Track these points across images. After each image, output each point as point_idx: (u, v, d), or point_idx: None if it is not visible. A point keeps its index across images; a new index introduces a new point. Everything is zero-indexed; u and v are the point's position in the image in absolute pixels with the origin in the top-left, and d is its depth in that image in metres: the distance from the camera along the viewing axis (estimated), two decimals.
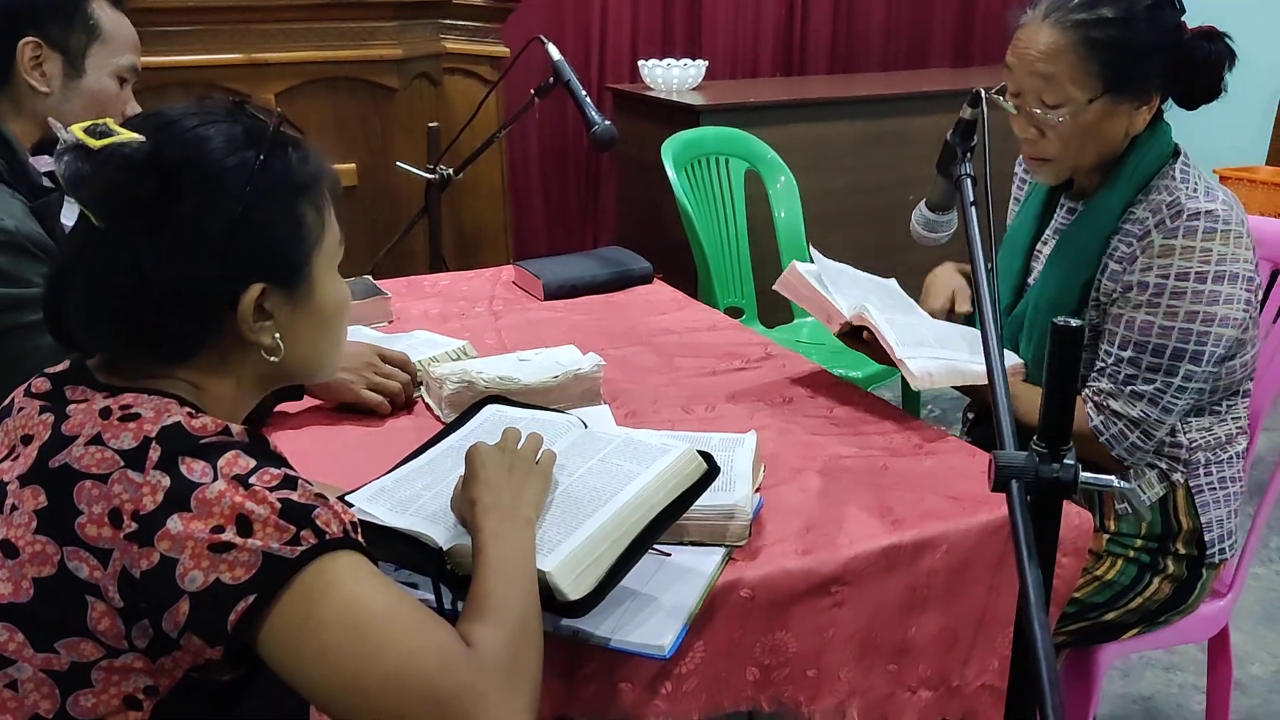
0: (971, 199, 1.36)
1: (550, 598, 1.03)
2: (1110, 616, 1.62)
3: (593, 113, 2.27)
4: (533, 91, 2.34)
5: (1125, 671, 2.37)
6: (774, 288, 1.77)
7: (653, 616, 1.10)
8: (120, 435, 0.89)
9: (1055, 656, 1.06)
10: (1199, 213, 1.49)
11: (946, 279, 1.85)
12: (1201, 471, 1.59)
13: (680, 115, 3.77)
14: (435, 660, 0.87)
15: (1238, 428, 1.62)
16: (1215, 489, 1.60)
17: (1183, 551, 1.61)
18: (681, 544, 1.21)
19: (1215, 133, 5.20)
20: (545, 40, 2.37)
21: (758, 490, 1.31)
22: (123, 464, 0.87)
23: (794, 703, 1.21)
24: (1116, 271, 1.54)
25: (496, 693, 0.88)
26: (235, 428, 0.93)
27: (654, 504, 1.12)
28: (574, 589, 1.03)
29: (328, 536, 0.87)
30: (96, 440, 0.89)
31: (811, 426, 1.56)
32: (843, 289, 1.68)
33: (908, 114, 4.04)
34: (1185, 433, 1.58)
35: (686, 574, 1.16)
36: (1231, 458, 1.62)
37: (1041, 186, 1.72)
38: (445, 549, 1.10)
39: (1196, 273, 1.47)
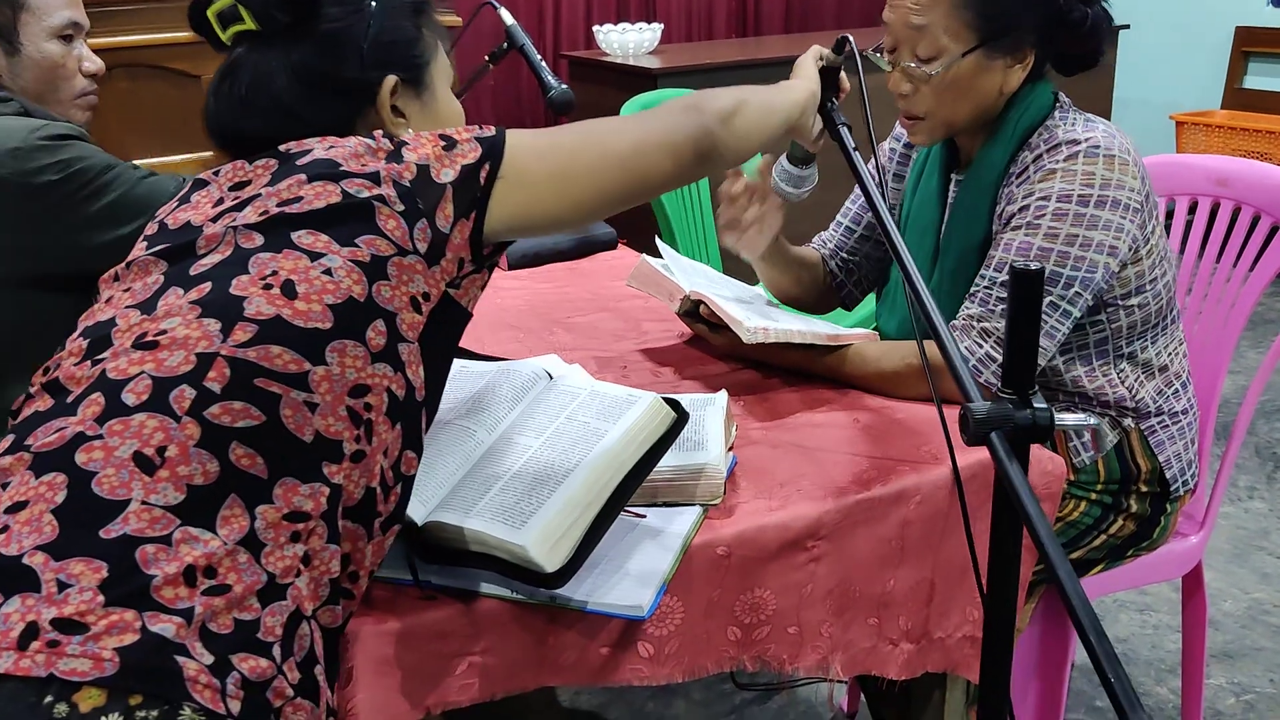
0: (854, 145, 1.37)
1: (527, 570, 1.02)
2: (1076, 555, 1.63)
3: (549, 77, 2.23)
4: (486, 58, 2.30)
5: (1100, 614, 2.40)
6: (626, 284, 1.75)
7: (629, 578, 1.10)
8: (344, 145, 1.03)
9: (1015, 612, 1.06)
10: (1077, 139, 1.49)
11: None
12: (1151, 412, 1.59)
13: (638, 80, 3.74)
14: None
15: (1175, 355, 1.62)
16: (1167, 425, 1.60)
17: (1145, 490, 1.62)
18: (656, 505, 1.20)
19: (1171, 79, 5.25)
20: (497, 5, 2.32)
21: (730, 449, 1.31)
22: (356, 146, 1.03)
23: (777, 660, 1.21)
24: (1000, 215, 1.54)
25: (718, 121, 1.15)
26: None
27: (625, 460, 1.11)
28: (550, 560, 1.02)
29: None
30: (330, 149, 1.03)
31: (781, 384, 1.55)
32: (686, 272, 1.67)
33: (865, 70, 4.01)
34: (1123, 381, 1.57)
35: (662, 534, 1.15)
36: (1177, 390, 1.62)
37: (935, 163, 1.67)
38: (421, 524, 1.09)
39: (1079, 195, 1.45)
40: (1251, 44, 4.98)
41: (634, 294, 1.98)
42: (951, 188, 1.66)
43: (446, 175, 1.01)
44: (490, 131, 1.06)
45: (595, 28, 4.17)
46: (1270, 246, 1.76)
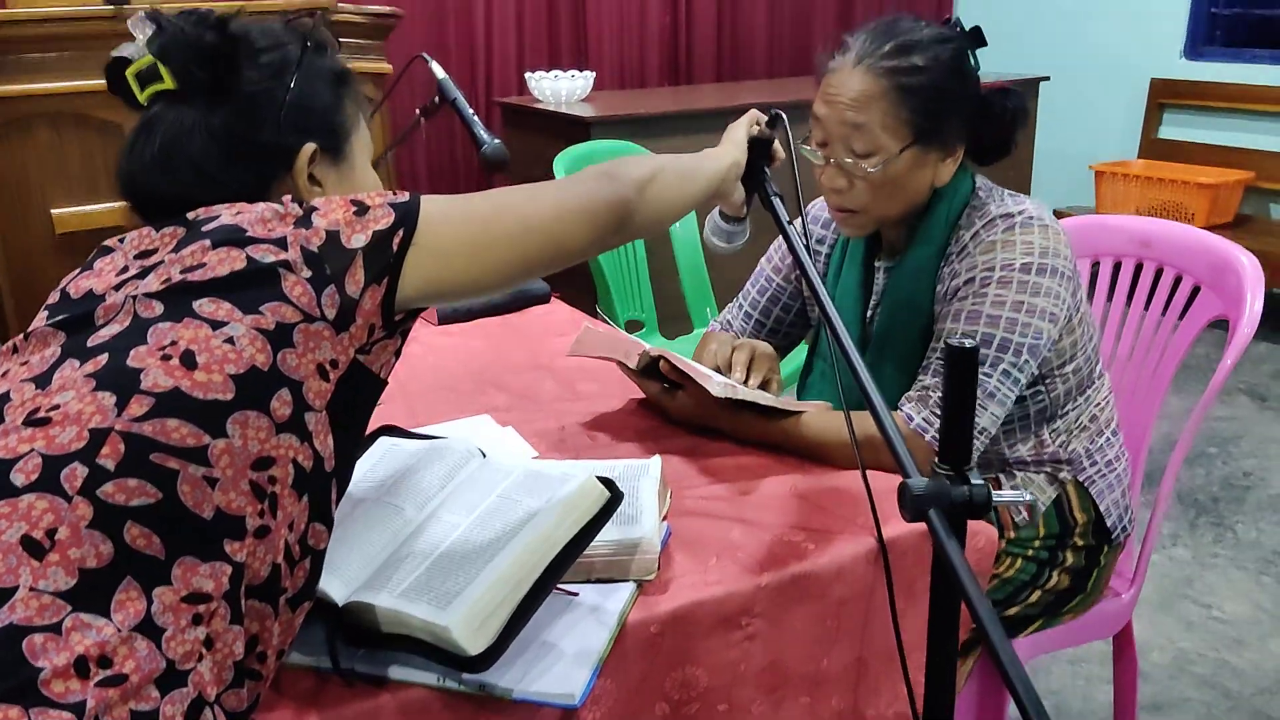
0: (787, 218, 1.38)
1: (451, 653, 0.99)
2: (1012, 612, 1.64)
3: (481, 132, 2.22)
4: (418, 111, 2.28)
5: (1032, 668, 2.41)
6: (568, 354, 1.72)
7: (560, 662, 1.06)
8: (251, 211, 1.01)
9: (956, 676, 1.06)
10: (1011, 213, 1.52)
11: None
12: (1086, 463, 1.61)
13: (571, 128, 3.75)
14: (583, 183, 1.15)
15: (1102, 406, 1.64)
16: (1104, 474, 1.63)
17: (1080, 544, 1.63)
18: (589, 581, 1.17)
19: (1089, 129, 5.39)
20: (428, 58, 2.30)
21: (665, 518, 1.29)
22: (263, 211, 1.01)
23: None
24: (945, 293, 1.55)
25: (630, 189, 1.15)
26: None
27: (556, 540, 1.09)
28: (474, 643, 0.99)
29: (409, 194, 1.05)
30: (236, 215, 1.01)
31: (717, 450, 1.53)
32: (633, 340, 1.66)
33: (795, 121, 4.07)
34: (1055, 440, 1.59)
35: (594, 613, 1.12)
36: (1109, 438, 1.64)
37: (856, 251, 1.68)
38: (342, 604, 1.05)
39: (1021, 264, 1.48)
40: (1166, 95, 5.15)
41: (569, 353, 1.96)
42: (879, 275, 1.67)
43: (357, 240, 0.99)
44: (404, 197, 1.04)
45: (528, 74, 4.18)
46: (1193, 306, 1.80)
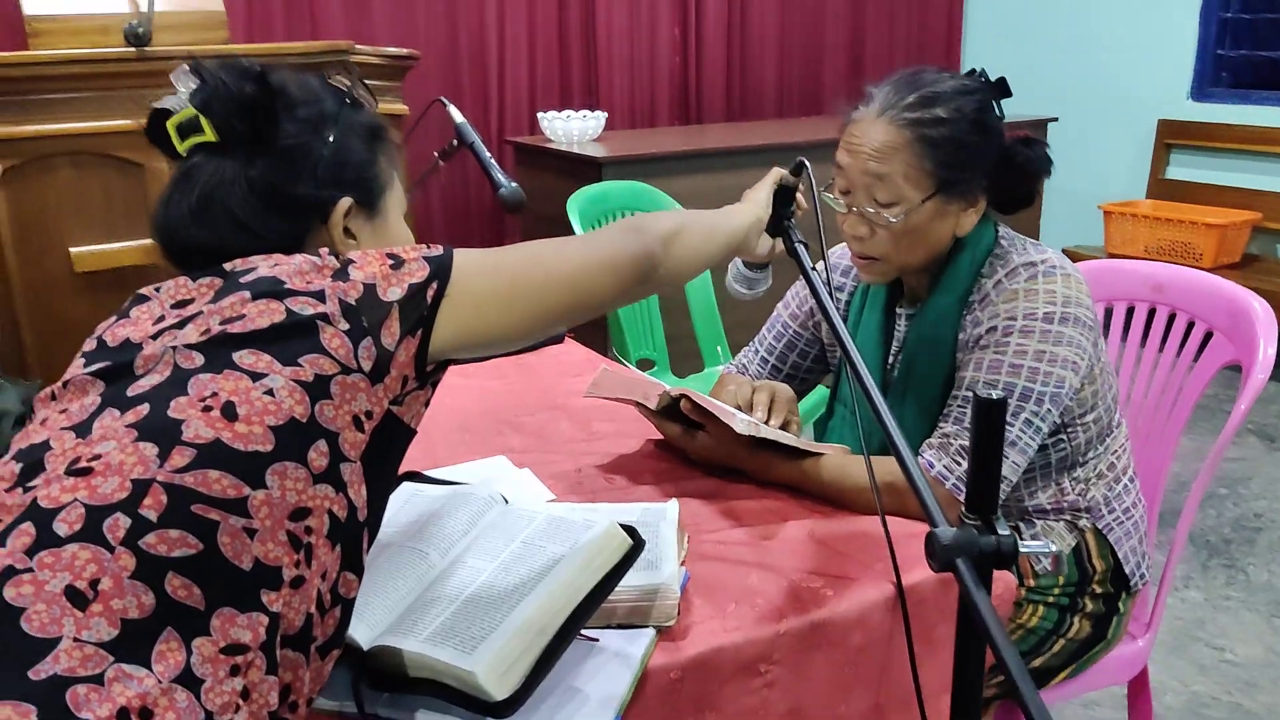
0: (811, 265, 1.39)
1: (476, 699, 1.00)
2: (1037, 663, 1.64)
3: (499, 175, 2.24)
4: (436, 155, 2.31)
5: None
6: (586, 395, 1.72)
7: (583, 707, 1.07)
8: (289, 263, 1.03)
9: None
10: (1034, 262, 1.54)
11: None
12: (1104, 510, 1.62)
13: (582, 168, 3.78)
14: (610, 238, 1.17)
15: (1119, 453, 1.65)
16: (1122, 521, 1.63)
17: (1100, 592, 1.63)
18: (609, 627, 1.18)
19: (1098, 169, 5.42)
20: (446, 102, 2.34)
21: (683, 563, 1.29)
22: (301, 264, 1.02)
23: None
24: (967, 341, 1.56)
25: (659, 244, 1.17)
26: None
27: (579, 587, 1.10)
28: (499, 688, 0.99)
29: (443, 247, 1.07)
30: (274, 266, 1.02)
31: (736, 492, 1.54)
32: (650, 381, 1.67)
33: (807, 161, 4.10)
34: (1074, 488, 1.60)
35: (615, 659, 1.13)
36: (1126, 485, 1.65)
37: (877, 298, 1.70)
38: (367, 648, 1.06)
39: (1044, 313, 1.49)
40: (1173, 136, 5.18)
41: (584, 393, 1.97)
42: (900, 322, 1.68)
43: (393, 293, 1.01)
44: (438, 251, 1.06)
45: (540, 114, 4.22)
46: (1206, 350, 1.81)
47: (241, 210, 1.07)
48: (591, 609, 1.09)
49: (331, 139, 1.11)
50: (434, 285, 1.02)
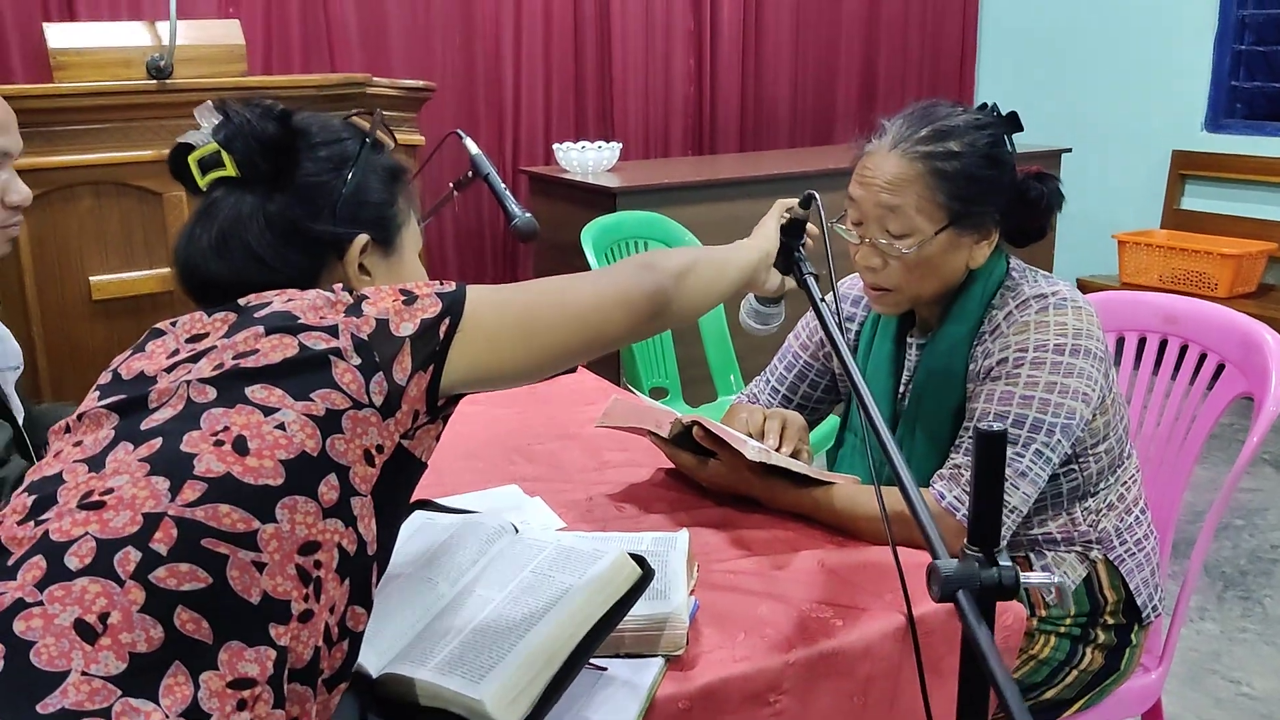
0: (820, 296, 1.40)
1: None
2: (1049, 694, 1.63)
3: (513, 206, 2.26)
4: (452, 185, 2.33)
5: None
6: (597, 426, 1.73)
7: None
8: (302, 298, 1.04)
9: None
10: (1044, 294, 1.55)
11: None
12: (1116, 541, 1.61)
13: (597, 198, 3.80)
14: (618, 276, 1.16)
15: (1131, 484, 1.65)
16: (1134, 553, 1.63)
17: (1111, 623, 1.63)
18: (618, 656, 1.18)
19: (1111, 199, 5.42)
20: (463, 134, 2.36)
21: (692, 592, 1.30)
22: (315, 299, 1.04)
23: None
24: (978, 372, 1.57)
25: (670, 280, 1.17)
26: None
27: (588, 616, 1.10)
28: (507, 717, 1.00)
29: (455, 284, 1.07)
30: (288, 302, 1.04)
31: (746, 521, 1.54)
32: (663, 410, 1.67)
33: (819, 190, 4.12)
34: (1085, 519, 1.60)
35: (624, 688, 1.13)
36: (1137, 516, 1.65)
37: (888, 328, 1.71)
38: (375, 675, 1.06)
39: (1054, 345, 1.50)
40: (1187, 167, 5.18)
41: (595, 421, 1.98)
42: (911, 351, 1.69)
43: (405, 329, 1.01)
44: (451, 287, 1.07)
45: (555, 145, 4.25)
46: (1219, 382, 1.81)
47: (258, 244, 1.08)
48: (600, 638, 1.09)
49: (351, 178, 1.13)
50: (446, 321, 1.03)
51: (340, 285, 1.07)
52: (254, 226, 1.09)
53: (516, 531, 1.33)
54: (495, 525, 1.32)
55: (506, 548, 1.27)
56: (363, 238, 1.13)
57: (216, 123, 1.11)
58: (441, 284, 1.07)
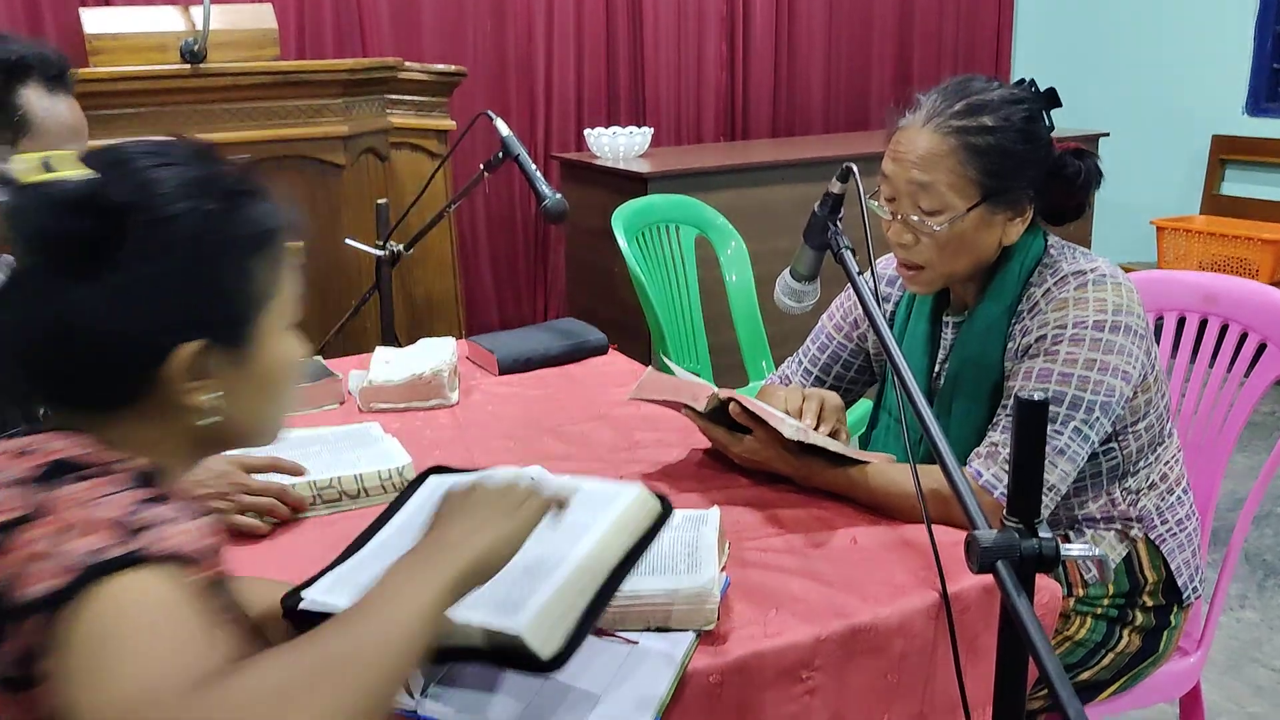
0: (857, 270, 1.38)
1: (524, 658, 0.99)
2: (1085, 676, 1.61)
3: (543, 187, 2.27)
4: (482, 166, 2.34)
5: None
6: (629, 397, 1.69)
7: (621, 709, 1.07)
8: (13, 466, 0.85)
9: None
10: (1083, 270, 1.52)
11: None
12: (1157, 521, 1.59)
13: (628, 183, 3.79)
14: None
15: (1171, 464, 1.63)
16: (1176, 533, 1.61)
17: (1150, 604, 1.61)
18: (649, 630, 1.18)
19: (1150, 184, 5.35)
20: (493, 115, 2.37)
21: (723, 569, 1.29)
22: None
23: None
24: (1016, 350, 1.55)
25: None
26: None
27: (616, 549, 1.09)
28: (545, 646, 0.98)
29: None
30: None
31: (778, 500, 1.53)
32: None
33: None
34: (1125, 499, 1.58)
35: (656, 660, 1.13)
36: (1179, 496, 1.62)
37: (923, 306, 1.69)
38: None
39: (1094, 321, 1.47)
40: (1228, 151, 5.10)
41: (626, 402, 1.97)
42: (947, 331, 1.67)
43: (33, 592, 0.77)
44: (122, 548, 0.77)
45: (586, 131, 4.24)
46: (1259, 363, 1.77)
47: (46, 355, 0.87)
48: (627, 569, 1.08)
49: (181, 265, 0.87)
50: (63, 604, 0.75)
51: (39, 457, 0.85)
52: (41, 327, 0.86)
53: (533, 480, 1.30)
54: (512, 474, 1.30)
55: None
56: (191, 345, 0.88)
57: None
58: (126, 529, 0.79)
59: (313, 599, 1.09)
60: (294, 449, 1.66)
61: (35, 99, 1.50)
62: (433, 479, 1.39)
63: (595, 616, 1.04)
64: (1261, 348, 1.78)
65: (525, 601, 1.02)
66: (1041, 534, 0.93)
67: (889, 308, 1.76)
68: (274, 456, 1.51)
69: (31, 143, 1.49)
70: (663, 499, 1.16)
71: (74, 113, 1.55)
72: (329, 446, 1.70)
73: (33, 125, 1.49)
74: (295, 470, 1.51)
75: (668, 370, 1.78)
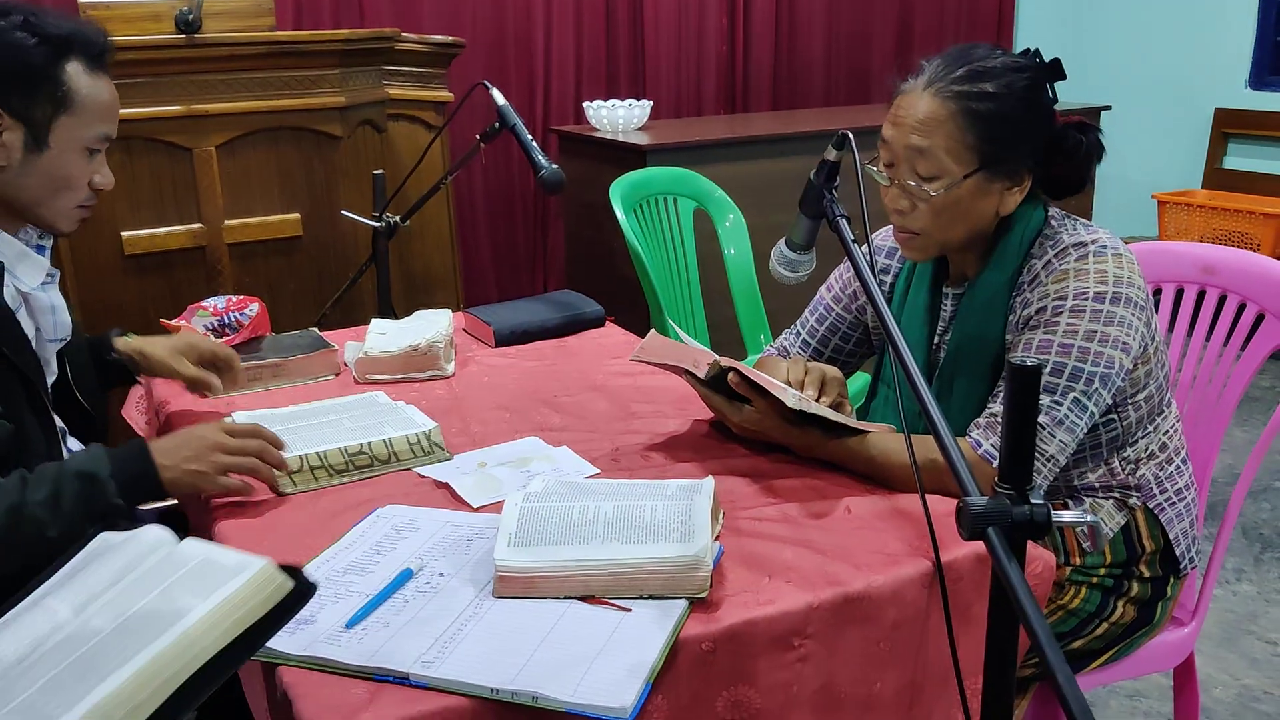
0: (852, 237, 1.37)
1: None
2: (1077, 645, 1.62)
3: (539, 157, 2.26)
4: (478, 137, 2.33)
5: (1091, 701, 2.36)
6: (632, 358, 1.67)
7: (613, 674, 1.07)
8: None
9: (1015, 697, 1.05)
10: (1084, 242, 1.51)
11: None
12: (1156, 490, 1.59)
13: (627, 156, 3.77)
14: None
15: (1172, 433, 1.62)
16: (1174, 502, 1.61)
17: (1147, 574, 1.61)
18: (641, 598, 1.18)
19: (1152, 158, 5.33)
20: (490, 85, 2.35)
21: (717, 538, 1.29)
22: None
23: None
24: (1017, 322, 1.54)
25: None
26: None
27: (218, 632, 0.96)
28: None
29: None
30: None
31: (773, 470, 1.53)
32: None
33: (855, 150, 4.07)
34: (1125, 469, 1.58)
35: (647, 629, 1.13)
36: (1178, 465, 1.62)
37: (923, 277, 1.68)
38: None
39: (1095, 293, 1.47)
40: (1230, 125, 5.08)
41: (623, 373, 1.97)
42: (947, 302, 1.66)
43: None
44: None
45: (585, 103, 4.22)
46: (1258, 333, 1.77)
47: None
48: (242, 653, 0.97)
49: None
50: None
51: None
52: None
53: (176, 544, 1.11)
54: (156, 538, 1.13)
55: (155, 566, 1.08)
56: None
57: None
58: None
59: None
60: (311, 420, 1.68)
61: (79, 76, 1.50)
62: (100, 537, 1.18)
63: (189, 704, 0.92)
64: (1260, 318, 1.77)
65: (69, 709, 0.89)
66: (1033, 500, 0.93)
67: (888, 279, 1.76)
68: (255, 425, 1.53)
69: (70, 119, 1.49)
70: (297, 574, 1.01)
71: (111, 93, 1.56)
72: (348, 414, 1.71)
73: (74, 102, 1.49)
74: (275, 441, 1.51)
75: (675, 336, 1.77)
